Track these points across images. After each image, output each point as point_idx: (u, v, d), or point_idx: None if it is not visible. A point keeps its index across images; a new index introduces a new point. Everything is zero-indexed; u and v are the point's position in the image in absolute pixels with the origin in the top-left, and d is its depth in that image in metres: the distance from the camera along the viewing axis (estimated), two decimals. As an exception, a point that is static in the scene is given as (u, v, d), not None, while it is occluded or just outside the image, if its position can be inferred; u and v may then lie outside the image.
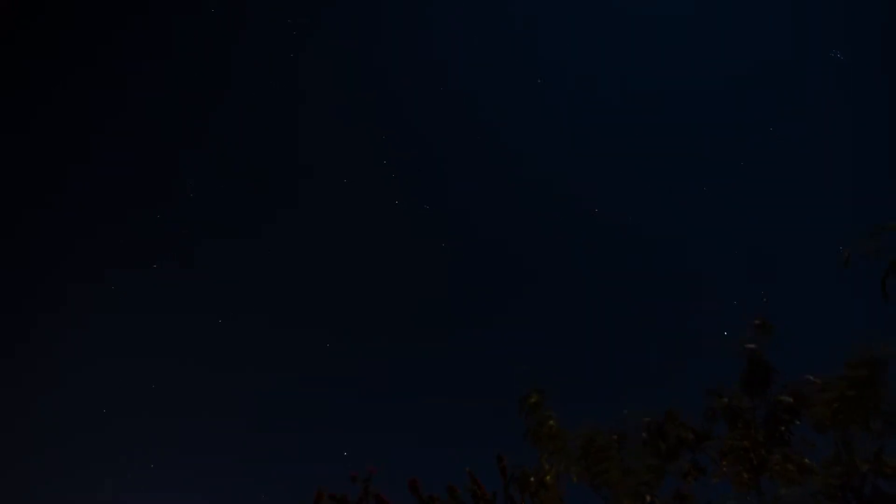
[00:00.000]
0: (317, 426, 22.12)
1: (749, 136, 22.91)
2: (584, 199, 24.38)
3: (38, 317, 22.32)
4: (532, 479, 7.19)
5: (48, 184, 22.65)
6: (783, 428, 6.84)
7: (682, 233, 23.55)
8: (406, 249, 24.82)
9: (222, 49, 23.55)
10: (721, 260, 22.68)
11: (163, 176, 23.60)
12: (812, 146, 21.86)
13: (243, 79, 24.13)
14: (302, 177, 24.57)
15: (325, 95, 24.77)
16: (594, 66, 24.65)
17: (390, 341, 23.96)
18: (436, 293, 24.95)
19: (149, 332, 23.10)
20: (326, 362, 23.54)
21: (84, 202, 23.11)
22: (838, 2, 21.26)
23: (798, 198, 21.88)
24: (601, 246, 24.57)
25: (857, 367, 5.96)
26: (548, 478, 7.20)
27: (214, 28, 23.25)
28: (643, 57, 23.96)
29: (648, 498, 7.41)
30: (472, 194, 25.39)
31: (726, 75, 23.16)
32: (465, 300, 25.06)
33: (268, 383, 23.06)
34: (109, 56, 22.37)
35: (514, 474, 7.17)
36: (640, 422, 7.83)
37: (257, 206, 24.56)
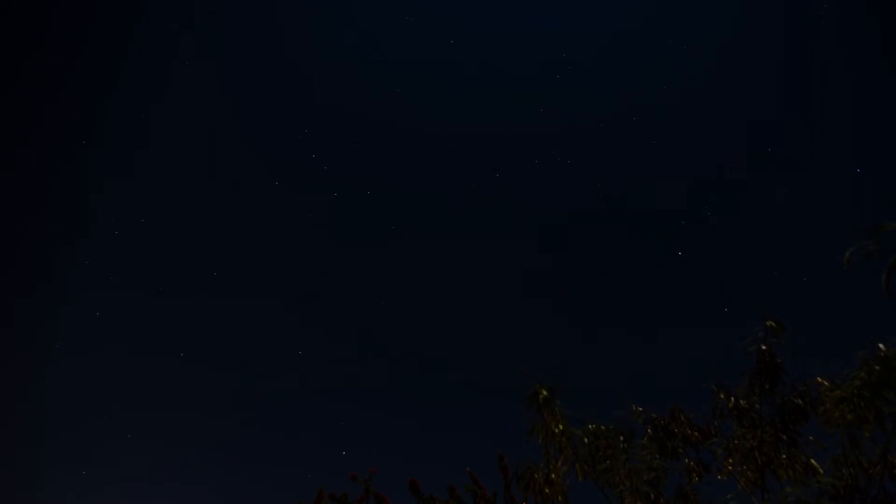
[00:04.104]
0: (317, 426, 22.05)
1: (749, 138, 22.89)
2: (583, 189, 24.19)
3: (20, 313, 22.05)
4: (537, 475, 7.15)
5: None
6: (790, 430, 6.83)
7: (683, 234, 23.43)
8: (377, 241, 24.42)
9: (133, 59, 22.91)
10: (724, 260, 22.60)
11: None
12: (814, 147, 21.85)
13: (152, 84, 23.52)
14: (231, 186, 24.22)
15: (235, 100, 24.34)
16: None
17: (389, 341, 23.82)
18: (432, 290, 24.76)
19: (147, 332, 22.90)
20: (326, 363, 23.43)
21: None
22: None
23: (800, 199, 21.86)
24: (601, 244, 24.47)
25: (872, 365, 5.94)
26: (553, 475, 7.15)
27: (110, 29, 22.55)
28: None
29: (652, 496, 7.40)
30: (416, 174, 25.00)
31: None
32: (462, 298, 24.88)
33: (268, 384, 22.98)
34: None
35: (517, 471, 7.12)
36: (646, 418, 7.82)
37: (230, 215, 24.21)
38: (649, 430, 7.83)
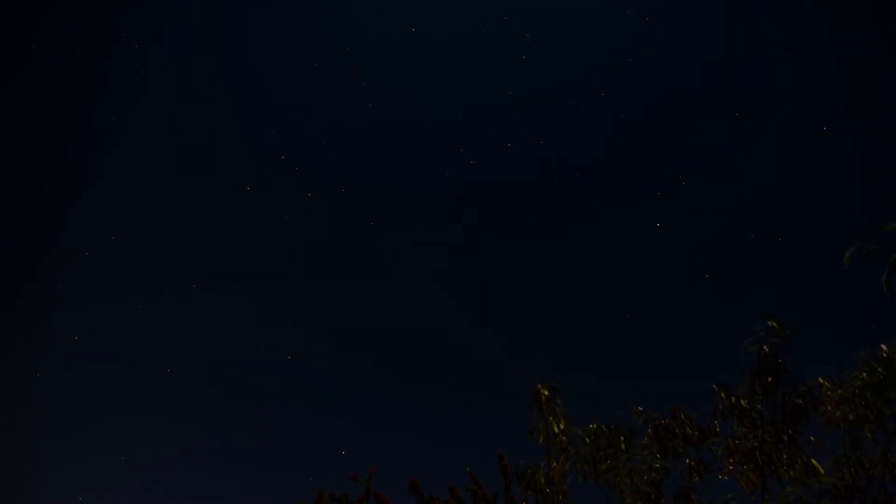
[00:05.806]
0: (317, 426, 21.97)
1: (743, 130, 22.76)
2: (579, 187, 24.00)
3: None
4: (538, 475, 7.15)
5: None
6: (791, 431, 6.84)
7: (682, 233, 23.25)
8: (362, 239, 24.04)
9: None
10: (723, 260, 22.44)
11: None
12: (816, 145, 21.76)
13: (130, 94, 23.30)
14: (206, 195, 23.80)
15: (208, 104, 23.95)
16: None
17: (388, 341, 23.67)
18: (425, 288, 24.58)
19: (137, 342, 22.81)
20: (325, 363, 23.33)
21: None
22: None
23: (798, 197, 21.73)
24: (601, 242, 24.33)
25: (874, 366, 5.94)
26: (553, 475, 7.16)
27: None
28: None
29: (653, 496, 7.41)
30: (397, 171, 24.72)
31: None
32: (461, 297, 24.73)
33: (267, 384, 22.90)
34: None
35: (517, 471, 7.12)
36: (647, 418, 7.83)
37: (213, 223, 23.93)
38: (650, 430, 7.84)
